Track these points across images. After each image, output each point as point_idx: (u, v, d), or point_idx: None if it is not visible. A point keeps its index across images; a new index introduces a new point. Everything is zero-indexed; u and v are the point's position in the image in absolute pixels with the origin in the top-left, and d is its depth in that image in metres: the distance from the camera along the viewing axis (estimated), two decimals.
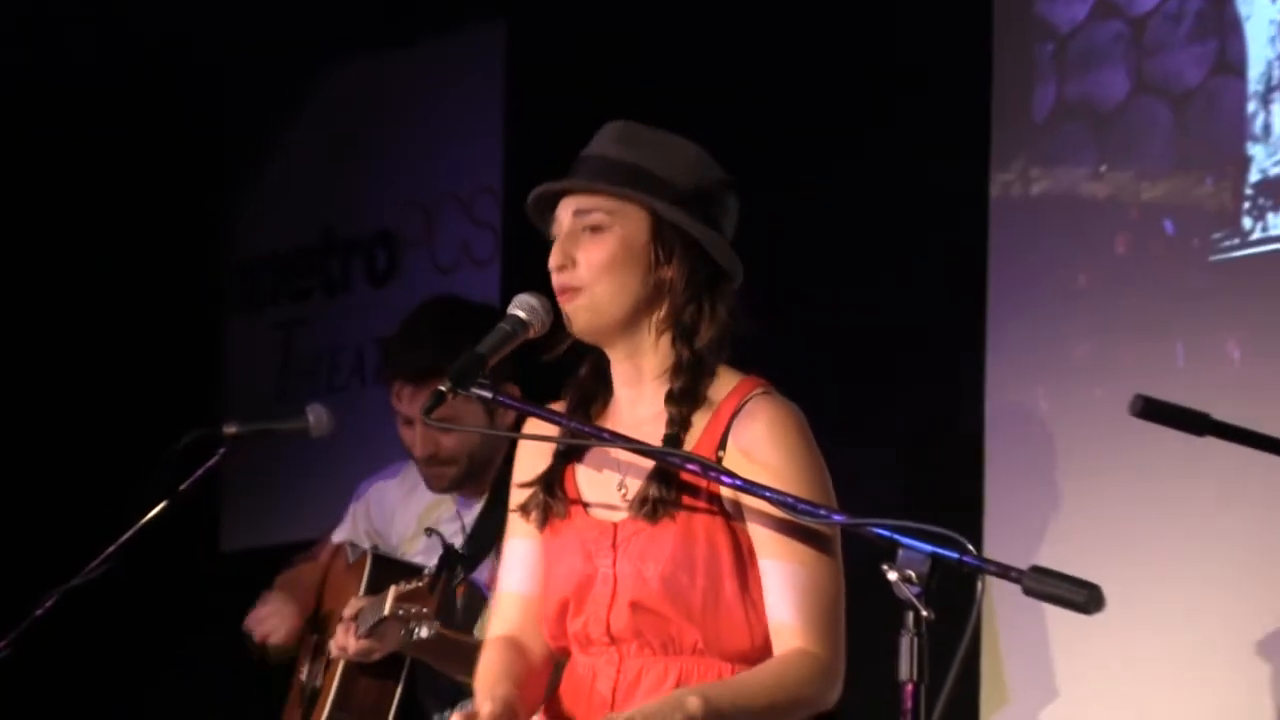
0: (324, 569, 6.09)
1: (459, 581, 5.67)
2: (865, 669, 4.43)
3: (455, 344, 5.58)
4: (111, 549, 5.31)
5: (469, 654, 5.29)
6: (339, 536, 6.18)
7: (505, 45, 7.46)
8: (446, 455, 5.89)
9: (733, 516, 4.37)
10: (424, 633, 5.44)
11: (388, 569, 5.80)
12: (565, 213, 4.40)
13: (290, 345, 7.83)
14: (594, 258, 4.36)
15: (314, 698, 5.90)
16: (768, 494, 4.24)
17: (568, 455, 4.52)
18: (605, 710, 4.37)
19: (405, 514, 6.07)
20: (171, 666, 6.59)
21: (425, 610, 5.45)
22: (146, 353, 7.96)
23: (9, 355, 8.14)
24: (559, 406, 4.53)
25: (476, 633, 5.69)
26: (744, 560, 4.37)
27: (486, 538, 5.70)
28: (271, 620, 6.01)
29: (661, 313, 4.41)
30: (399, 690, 5.75)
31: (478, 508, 5.93)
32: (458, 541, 5.81)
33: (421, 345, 5.96)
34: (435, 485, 6.00)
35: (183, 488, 5.48)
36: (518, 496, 4.53)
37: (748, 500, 4.33)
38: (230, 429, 5.75)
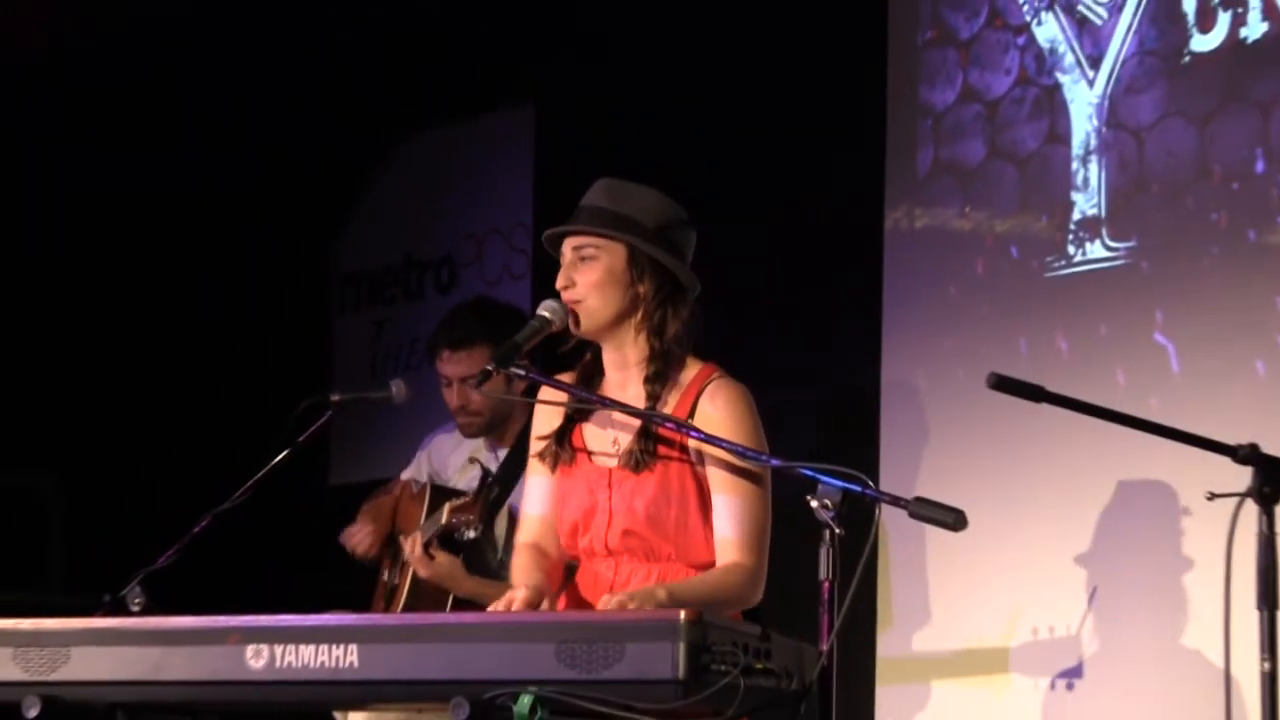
0: (396, 499, 6.10)
1: (497, 496, 5.71)
2: (794, 572, 4.44)
3: (484, 325, 5.94)
4: (250, 483, 5.31)
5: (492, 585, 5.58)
6: (407, 475, 6.21)
7: (534, 122, 7.46)
8: (474, 409, 5.94)
9: (697, 465, 4.48)
10: (471, 534, 5.57)
11: (441, 494, 5.86)
12: (567, 247, 4.54)
13: (379, 337, 7.83)
14: (588, 279, 4.51)
15: (393, 592, 5.92)
16: (723, 443, 4.34)
17: (575, 417, 4.61)
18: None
19: (455, 458, 6.10)
20: (291, 572, 6.55)
21: (472, 517, 5.56)
22: (278, 341, 7.98)
23: (183, 341, 8.15)
24: (567, 378, 4.62)
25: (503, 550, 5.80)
26: (705, 497, 4.47)
27: (512, 475, 5.74)
28: (358, 535, 6.04)
29: (638, 317, 4.53)
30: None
31: (502, 454, 5.94)
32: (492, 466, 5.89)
33: (461, 324, 6.05)
34: (466, 431, 6.05)
35: (301, 439, 5.48)
36: (536, 446, 4.63)
37: (708, 451, 4.42)
38: (336, 397, 5.75)
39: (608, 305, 4.50)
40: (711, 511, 4.46)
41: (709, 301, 4.62)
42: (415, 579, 5.75)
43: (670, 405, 4.50)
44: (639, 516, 4.45)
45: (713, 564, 4.45)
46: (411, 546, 5.71)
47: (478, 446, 6.06)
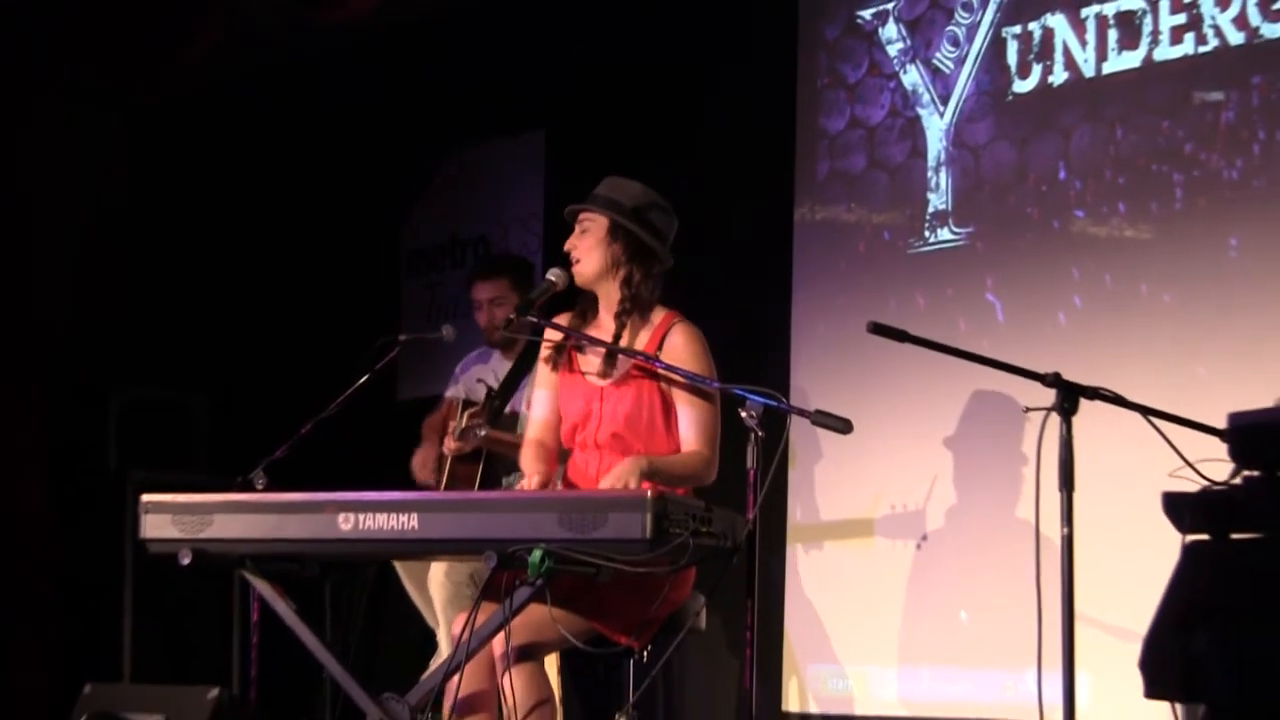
0: (445, 413, 6.05)
1: (498, 405, 5.75)
2: (728, 463, 4.44)
3: (505, 264, 6.20)
4: (342, 397, 5.31)
5: (511, 445, 5.60)
6: (449, 393, 6.17)
7: (544, 143, 7.41)
8: (498, 325, 5.90)
9: (663, 386, 4.48)
10: (481, 433, 5.62)
11: (467, 405, 5.87)
12: (574, 220, 4.57)
13: (434, 295, 7.77)
14: (583, 244, 4.58)
15: (438, 482, 5.91)
16: (677, 370, 4.34)
17: (573, 345, 4.63)
18: (594, 483, 4.46)
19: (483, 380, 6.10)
20: (370, 461, 6.49)
21: (481, 421, 5.64)
22: (363, 297, 7.96)
23: (297, 298, 8.13)
24: (565, 317, 4.65)
25: (516, 431, 5.76)
26: (669, 409, 4.47)
27: (512, 384, 5.83)
28: (418, 464, 5.98)
29: (617, 271, 4.53)
30: (480, 467, 5.74)
31: (508, 365, 5.94)
32: (494, 384, 5.89)
33: (489, 262, 6.41)
34: (491, 341, 6.08)
35: (378, 367, 5.47)
36: (545, 360, 4.65)
37: (673, 376, 4.45)
38: (402, 337, 5.76)
39: (594, 262, 4.53)
40: (673, 418, 4.47)
41: (680, 270, 4.68)
42: (453, 465, 5.77)
43: (643, 340, 4.50)
44: (619, 421, 4.45)
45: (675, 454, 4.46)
46: (448, 440, 5.75)
47: (489, 370, 6.06)
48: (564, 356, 4.59)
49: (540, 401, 4.65)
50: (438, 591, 5.58)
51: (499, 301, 5.96)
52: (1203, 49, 5.43)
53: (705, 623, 4.62)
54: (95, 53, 7.13)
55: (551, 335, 4.63)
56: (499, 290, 5.99)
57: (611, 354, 4.49)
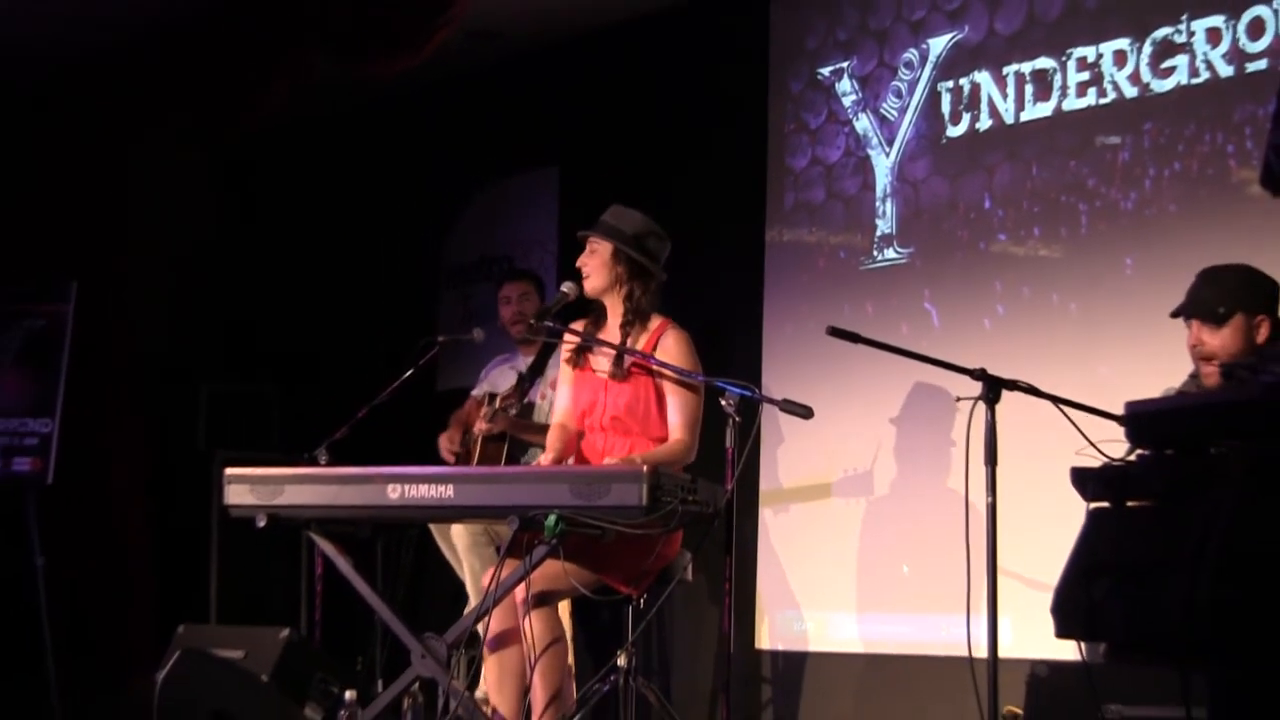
0: (469, 408, 6.02)
1: (526, 387, 5.72)
2: (708, 444, 4.43)
3: (530, 274, 6.19)
4: (391, 388, 5.31)
5: (531, 428, 5.60)
6: (477, 393, 6.13)
7: (558, 178, 7.39)
8: (523, 319, 5.89)
9: (657, 380, 4.48)
10: (514, 411, 5.59)
11: (493, 398, 5.81)
12: (585, 242, 4.56)
13: (466, 303, 7.75)
14: (592, 263, 4.60)
15: (469, 456, 5.86)
16: (668, 366, 4.32)
17: (586, 348, 4.60)
18: (600, 457, 4.46)
19: (502, 379, 6.05)
20: (413, 441, 6.47)
21: (513, 401, 5.61)
22: (410, 305, 7.92)
23: (357, 306, 8.09)
24: (580, 324, 4.64)
25: (533, 418, 5.75)
26: (661, 399, 4.47)
27: (532, 379, 5.79)
28: (444, 446, 5.94)
29: (619, 289, 4.52)
30: (505, 448, 5.72)
31: (528, 362, 5.92)
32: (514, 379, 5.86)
33: (516, 269, 6.42)
34: (515, 333, 6.04)
35: (420, 363, 5.46)
36: (567, 360, 4.66)
37: (664, 372, 4.45)
38: (440, 338, 5.74)
39: (601, 279, 4.56)
40: (664, 406, 4.48)
41: (672, 282, 4.67)
42: (482, 445, 5.74)
43: (641, 342, 4.51)
44: (620, 408, 4.47)
45: (665, 437, 4.47)
46: (480, 423, 5.69)
47: (511, 370, 6.02)
48: (581, 357, 4.61)
49: (562, 393, 4.69)
50: (459, 539, 5.58)
51: (526, 296, 6.03)
52: (1103, 101, 5.44)
53: (691, 575, 4.63)
54: (188, 99, 7.13)
55: (569, 338, 4.65)
56: (525, 288, 6.07)
57: (619, 357, 4.50)
